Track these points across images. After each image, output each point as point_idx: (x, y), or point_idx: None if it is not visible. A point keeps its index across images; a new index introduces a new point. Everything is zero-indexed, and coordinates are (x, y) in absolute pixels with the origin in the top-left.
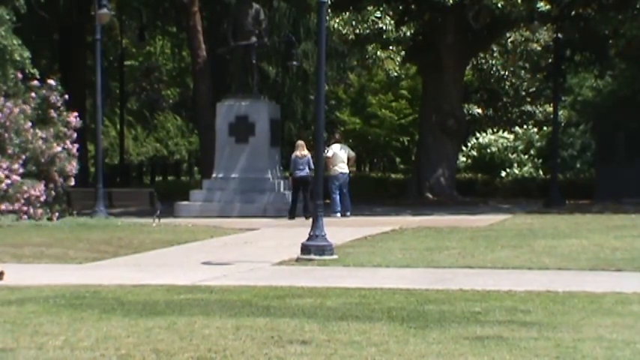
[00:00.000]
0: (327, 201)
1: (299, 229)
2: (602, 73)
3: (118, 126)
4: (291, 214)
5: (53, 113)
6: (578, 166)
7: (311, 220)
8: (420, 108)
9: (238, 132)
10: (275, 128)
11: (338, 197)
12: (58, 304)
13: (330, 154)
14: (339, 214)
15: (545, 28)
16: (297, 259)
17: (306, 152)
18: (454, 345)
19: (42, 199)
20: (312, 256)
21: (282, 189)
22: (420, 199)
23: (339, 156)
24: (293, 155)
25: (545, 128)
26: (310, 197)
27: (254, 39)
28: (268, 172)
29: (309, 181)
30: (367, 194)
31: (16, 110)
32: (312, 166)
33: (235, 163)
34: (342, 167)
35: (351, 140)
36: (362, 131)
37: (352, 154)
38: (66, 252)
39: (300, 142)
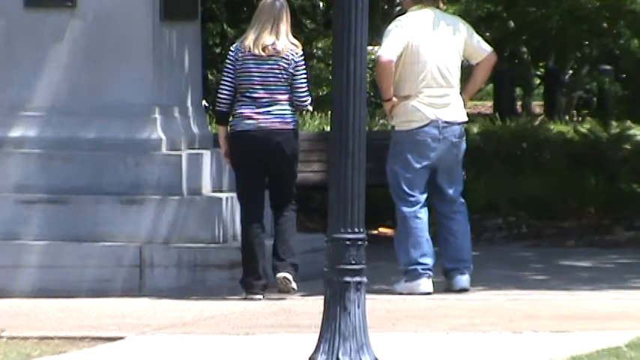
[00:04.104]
0: (383, 230)
1: (266, 339)
2: None
3: None
4: (249, 273)
5: None
6: None
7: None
8: None
9: None
10: None
11: (426, 215)
12: None
13: (395, 48)
14: (427, 276)
15: None
16: None
17: (286, 43)
18: None
19: None
20: None
21: (206, 184)
22: None
23: (429, 59)
24: (234, 48)
25: None
26: (300, 205)
27: None
28: (154, 118)
29: (296, 152)
30: (548, 197)
31: None
32: (306, 100)
33: (28, 85)
34: (436, 99)
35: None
36: None
37: (484, 48)
38: None
39: (271, 3)
